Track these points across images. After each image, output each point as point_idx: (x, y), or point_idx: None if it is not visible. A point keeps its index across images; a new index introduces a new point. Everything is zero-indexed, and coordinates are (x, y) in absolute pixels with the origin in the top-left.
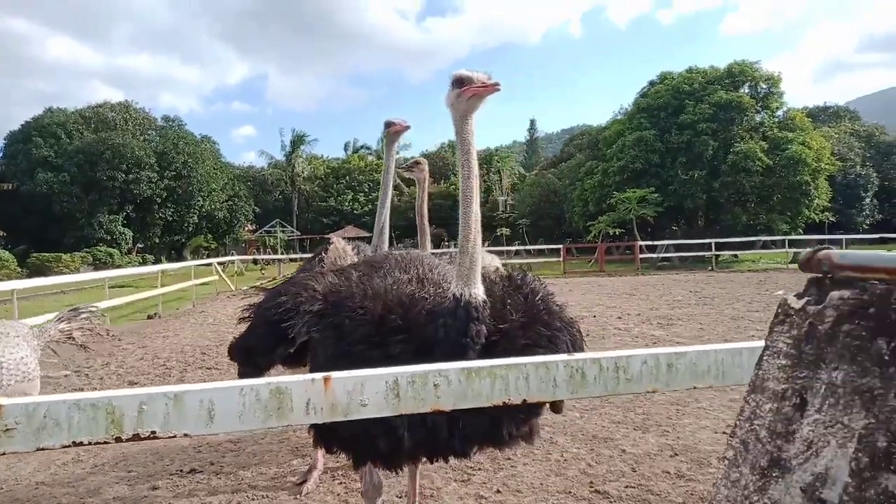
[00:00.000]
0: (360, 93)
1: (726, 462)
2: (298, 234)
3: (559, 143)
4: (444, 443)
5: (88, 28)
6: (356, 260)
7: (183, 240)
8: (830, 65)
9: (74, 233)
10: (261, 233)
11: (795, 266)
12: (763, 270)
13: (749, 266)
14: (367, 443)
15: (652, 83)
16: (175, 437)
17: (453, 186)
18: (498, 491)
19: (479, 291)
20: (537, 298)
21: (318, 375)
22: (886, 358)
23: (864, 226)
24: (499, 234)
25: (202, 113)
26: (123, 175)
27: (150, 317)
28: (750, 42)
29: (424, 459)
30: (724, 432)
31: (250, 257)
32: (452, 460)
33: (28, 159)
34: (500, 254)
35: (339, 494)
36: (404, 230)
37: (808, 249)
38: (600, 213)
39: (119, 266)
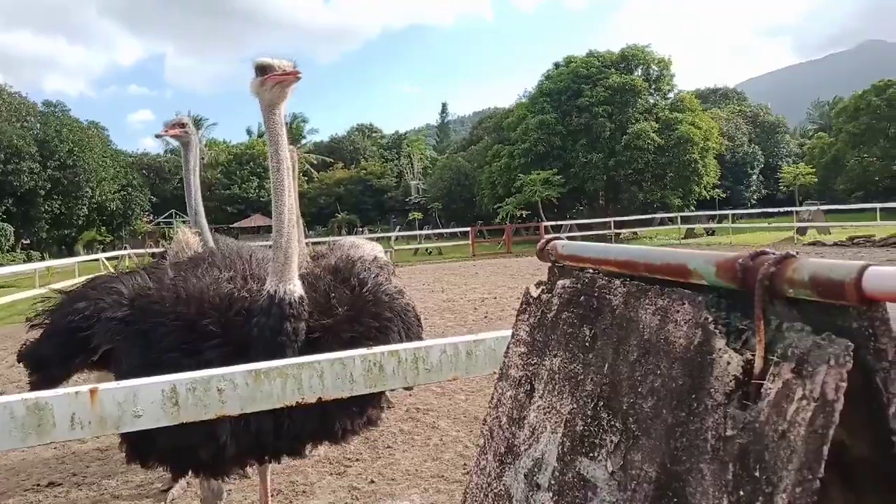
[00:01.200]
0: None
1: (477, 449)
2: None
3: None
4: (271, 445)
5: None
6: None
7: (73, 234)
8: (723, 48)
9: None
10: (161, 223)
11: (688, 241)
12: (660, 245)
13: (647, 242)
14: (186, 453)
15: (557, 65)
16: None
17: (363, 171)
18: (372, 481)
19: (294, 287)
20: (365, 290)
21: (84, 388)
22: (587, 344)
23: (752, 201)
24: (411, 218)
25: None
26: (1, 166)
27: (29, 319)
28: (651, 26)
29: (254, 462)
30: None
31: (149, 251)
32: (332, 452)
33: None
34: (411, 238)
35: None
36: (315, 218)
37: (543, 238)
38: (508, 195)
39: None
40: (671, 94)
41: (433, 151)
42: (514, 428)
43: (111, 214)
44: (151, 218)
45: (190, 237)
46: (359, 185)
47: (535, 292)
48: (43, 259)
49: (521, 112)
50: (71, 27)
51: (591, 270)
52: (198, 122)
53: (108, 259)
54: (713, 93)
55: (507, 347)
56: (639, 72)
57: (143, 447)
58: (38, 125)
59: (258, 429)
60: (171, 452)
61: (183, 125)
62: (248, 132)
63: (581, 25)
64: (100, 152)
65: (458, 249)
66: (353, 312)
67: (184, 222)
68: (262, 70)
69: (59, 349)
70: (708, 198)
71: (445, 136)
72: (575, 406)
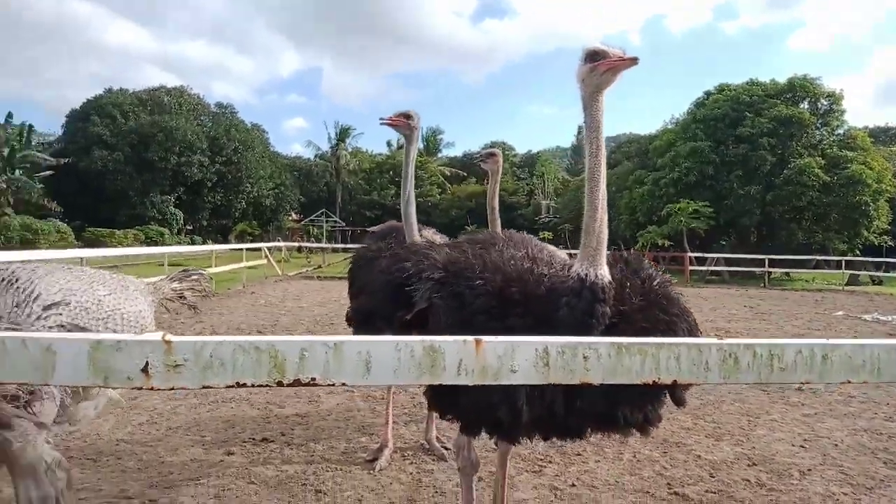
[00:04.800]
0: (410, 93)
1: None
2: (343, 224)
3: (609, 151)
4: (561, 420)
5: (146, 13)
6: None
7: (230, 224)
8: (894, 87)
9: (127, 211)
10: (306, 222)
11: (851, 288)
12: (818, 290)
13: (803, 285)
14: (485, 413)
15: (708, 94)
16: (334, 385)
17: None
18: (573, 484)
19: (605, 272)
20: (654, 283)
21: (470, 338)
22: None
23: None
24: (541, 237)
25: (256, 103)
26: (176, 157)
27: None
28: (814, 59)
29: (538, 436)
30: (801, 446)
31: (295, 244)
32: (523, 450)
33: (85, 137)
34: None
35: (411, 474)
36: (444, 228)
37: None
38: (650, 223)
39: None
40: (840, 130)
41: (565, 173)
42: None
43: (264, 210)
44: (299, 216)
45: (432, 235)
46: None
47: None
48: (205, 243)
49: (669, 138)
50: (240, 39)
51: None
52: (346, 131)
53: (267, 249)
54: (884, 132)
55: None
56: (805, 104)
57: (448, 401)
58: (210, 124)
59: (552, 401)
60: (472, 410)
61: (409, 116)
62: (388, 144)
63: (734, 54)
64: (260, 152)
65: None
66: (645, 303)
67: (327, 221)
68: (593, 56)
69: (384, 304)
70: (876, 244)
71: (580, 158)
72: None
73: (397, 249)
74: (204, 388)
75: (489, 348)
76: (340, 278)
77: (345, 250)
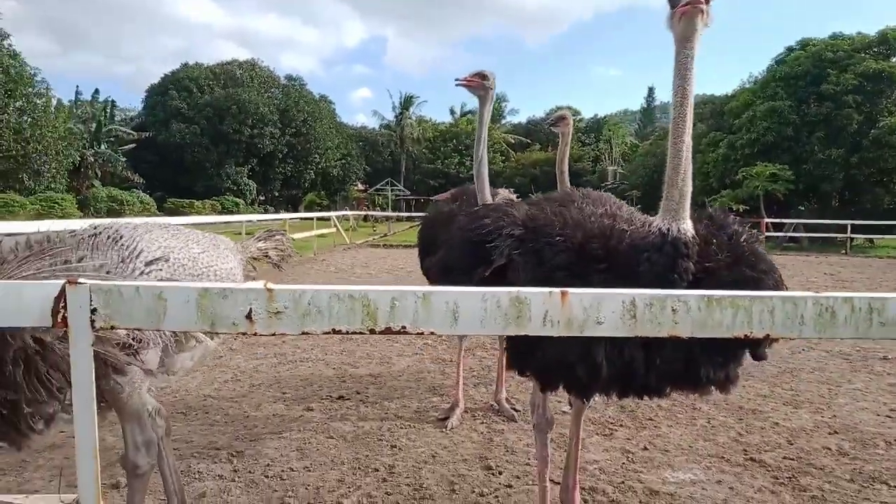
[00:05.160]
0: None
1: None
2: (407, 193)
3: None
4: (641, 377)
5: None
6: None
7: (299, 195)
8: None
9: (204, 182)
10: (372, 191)
11: None
12: None
13: (888, 252)
14: (563, 368)
15: (790, 49)
16: (422, 333)
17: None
18: (645, 448)
19: (688, 227)
20: (742, 239)
21: (556, 289)
22: None
23: None
24: None
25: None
26: (249, 130)
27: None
28: None
29: (614, 393)
30: (888, 416)
31: (362, 213)
32: (594, 414)
33: (164, 111)
34: None
35: (482, 433)
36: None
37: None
38: (723, 187)
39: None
40: None
41: (633, 138)
42: None
43: (331, 180)
44: (366, 186)
45: (507, 194)
46: (555, 167)
47: None
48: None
49: (746, 98)
50: (307, 10)
51: None
52: (410, 99)
53: (336, 218)
54: None
55: None
56: None
57: (526, 356)
58: (281, 96)
59: (631, 358)
60: (551, 365)
61: (484, 76)
62: (451, 112)
63: (814, 6)
64: (327, 123)
65: None
66: (732, 260)
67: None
68: (673, 1)
69: (463, 259)
70: None
71: (650, 122)
72: None
73: (477, 207)
74: (302, 333)
75: (575, 300)
76: (405, 246)
77: (409, 219)
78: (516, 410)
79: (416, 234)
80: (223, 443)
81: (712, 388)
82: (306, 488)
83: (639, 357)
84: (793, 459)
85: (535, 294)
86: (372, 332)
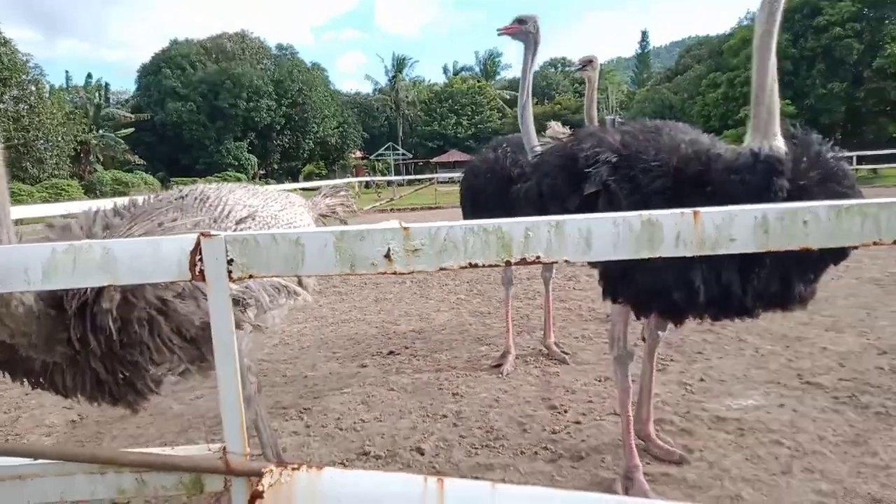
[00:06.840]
0: (463, 15)
1: None
2: (410, 156)
3: (668, 58)
4: (737, 300)
5: None
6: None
7: (298, 166)
8: None
9: (205, 159)
10: (374, 157)
11: None
12: None
13: (894, 182)
14: (660, 294)
15: None
16: (556, 262)
17: (558, 106)
18: (701, 379)
19: (780, 143)
20: (829, 156)
21: (687, 210)
22: None
23: None
24: None
25: (312, 44)
26: (244, 103)
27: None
28: None
29: (708, 316)
30: None
31: (364, 179)
32: (640, 351)
33: (159, 90)
34: None
35: (538, 376)
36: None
37: None
38: (725, 128)
39: None
40: None
41: (628, 85)
42: None
43: (329, 149)
44: (364, 153)
45: (559, 128)
46: (553, 120)
47: None
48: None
49: (744, 34)
50: None
51: None
52: (403, 61)
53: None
54: None
55: None
56: None
57: (622, 283)
58: (273, 67)
59: (728, 281)
60: (647, 291)
61: (523, 21)
62: (445, 71)
63: None
64: (322, 92)
65: None
66: (822, 177)
67: (393, 155)
68: None
69: (556, 187)
70: None
71: (645, 67)
72: None
73: (575, 131)
74: (440, 269)
75: (707, 219)
76: (413, 209)
77: (411, 182)
78: (566, 353)
79: (423, 197)
80: (289, 402)
81: (797, 305)
82: (382, 437)
83: (735, 280)
84: (848, 380)
85: (666, 216)
86: (507, 263)
